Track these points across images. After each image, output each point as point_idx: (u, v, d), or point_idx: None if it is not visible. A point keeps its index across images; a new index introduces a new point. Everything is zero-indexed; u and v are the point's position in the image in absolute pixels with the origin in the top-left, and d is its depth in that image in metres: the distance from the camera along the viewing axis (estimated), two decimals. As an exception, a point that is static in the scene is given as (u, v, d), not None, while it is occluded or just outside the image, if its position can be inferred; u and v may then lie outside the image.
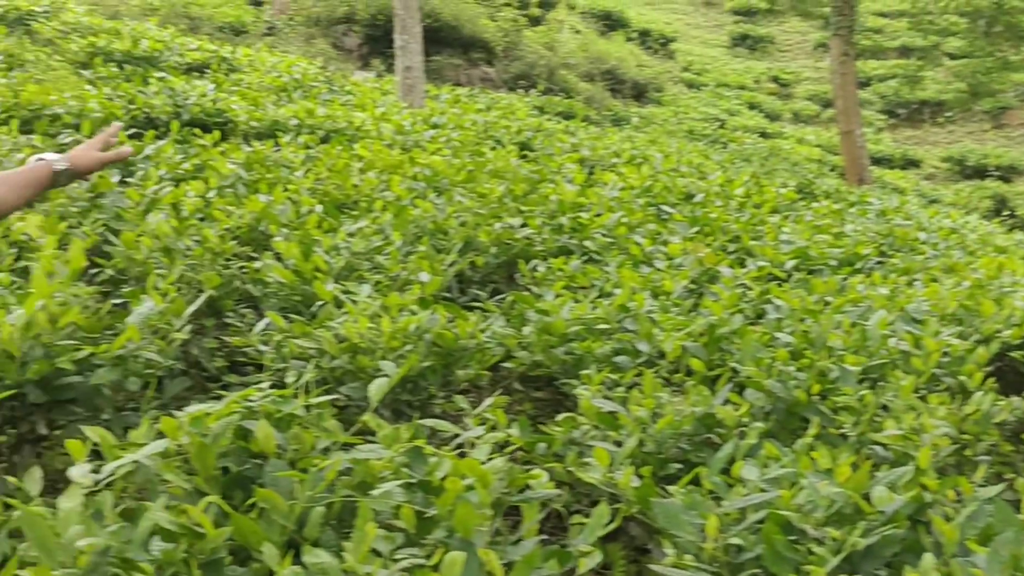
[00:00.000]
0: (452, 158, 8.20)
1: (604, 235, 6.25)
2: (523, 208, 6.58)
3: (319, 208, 5.77)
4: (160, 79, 10.39)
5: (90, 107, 7.99)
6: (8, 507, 2.19)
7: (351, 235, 5.25)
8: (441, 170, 7.29)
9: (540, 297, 4.82)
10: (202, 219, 5.34)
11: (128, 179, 6.08)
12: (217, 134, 7.91)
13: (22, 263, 4.16)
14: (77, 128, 7.30)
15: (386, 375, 2.65)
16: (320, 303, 4.10)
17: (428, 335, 3.76)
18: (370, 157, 7.48)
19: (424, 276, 4.42)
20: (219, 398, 4.12)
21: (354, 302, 3.99)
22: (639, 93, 27.67)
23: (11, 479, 2.47)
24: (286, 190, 6.12)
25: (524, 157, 9.87)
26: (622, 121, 22.53)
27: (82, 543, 1.83)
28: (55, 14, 15.06)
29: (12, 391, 2.95)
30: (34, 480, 2.13)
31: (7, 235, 4.28)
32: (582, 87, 24.80)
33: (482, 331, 4.00)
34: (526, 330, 4.22)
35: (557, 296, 4.61)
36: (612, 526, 2.53)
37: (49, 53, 12.60)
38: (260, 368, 4.14)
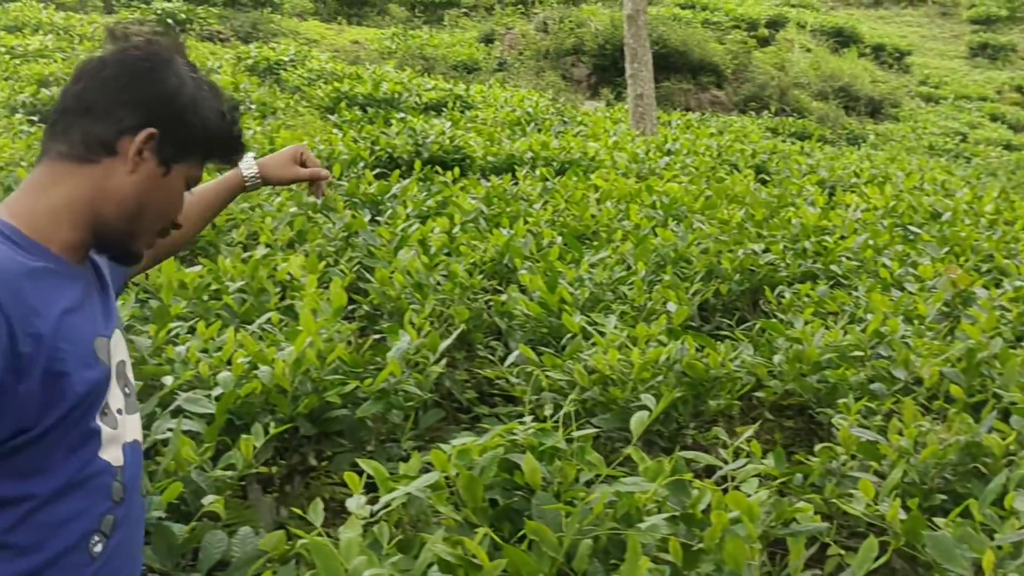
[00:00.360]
0: (689, 185, 8.16)
1: (850, 258, 6.05)
2: (764, 233, 6.46)
3: (559, 240, 5.83)
4: (400, 119, 10.77)
5: (338, 150, 8.37)
6: (291, 535, 2.30)
7: (593, 266, 5.28)
8: (679, 197, 7.25)
9: (789, 324, 4.71)
10: (448, 254, 5.50)
11: (378, 218, 6.34)
12: (456, 170, 8.14)
13: (287, 302, 4.38)
14: (328, 171, 7.65)
15: (645, 407, 2.64)
16: (568, 335, 4.14)
17: (678, 365, 3.73)
18: (607, 187, 7.53)
19: (671, 306, 4.40)
20: (471, 428, 4.24)
21: (602, 333, 4.01)
22: (874, 110, 26.75)
23: (294, 509, 2.59)
24: (526, 223, 6.23)
25: (761, 181, 9.72)
26: (858, 139, 21.82)
27: (367, 574, 1.90)
28: (301, 63, 15.89)
29: (286, 425, 3.10)
30: (317, 511, 2.23)
31: (272, 275, 4.52)
32: (815, 106, 24.20)
33: (731, 360, 3.94)
34: (776, 358, 4.13)
35: (806, 323, 4.48)
36: (881, 561, 2.44)
37: (297, 100, 13.30)
38: (509, 399, 4.22)
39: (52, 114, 1.68)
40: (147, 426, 2.84)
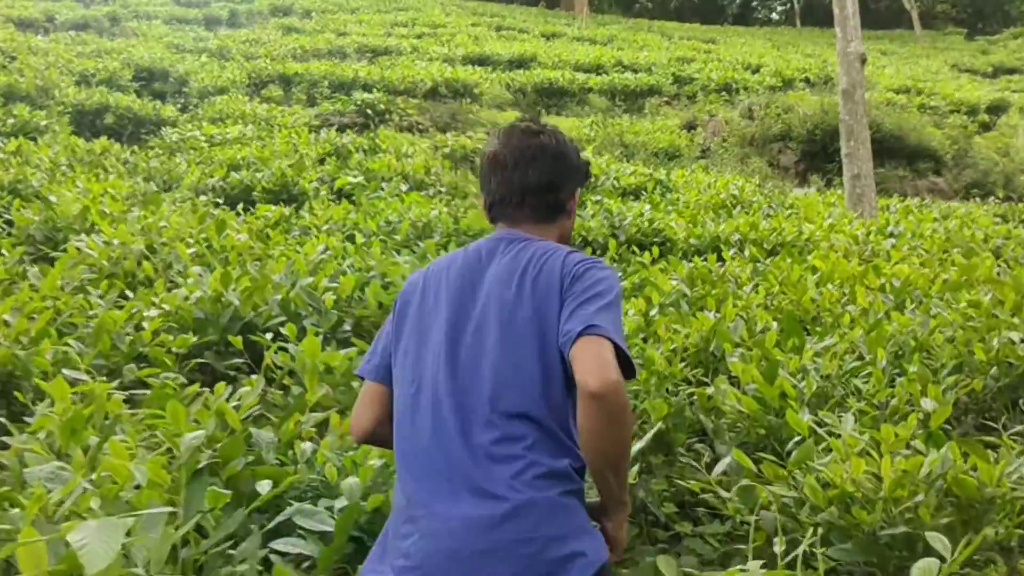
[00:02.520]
0: (921, 267, 7.18)
1: None
2: (1018, 321, 5.45)
3: (775, 325, 5.00)
4: (596, 202, 10.17)
5: (530, 229, 7.78)
6: None
7: (818, 355, 4.43)
8: (912, 279, 6.30)
9: (1070, 430, 3.74)
10: (644, 339, 4.77)
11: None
12: (655, 251, 7.43)
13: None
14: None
15: (937, 554, 1.81)
16: (793, 438, 3.31)
17: (941, 481, 2.86)
18: (826, 268, 6.64)
19: (927, 403, 3.50)
20: (669, 548, 3.45)
21: (836, 436, 3.16)
22: (1109, 198, 24.66)
23: None
24: (735, 306, 5.42)
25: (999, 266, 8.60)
26: (1097, 227, 19.98)
27: None
28: (499, 148, 15.54)
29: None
30: None
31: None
32: (1045, 193, 22.43)
33: (1010, 475, 3.03)
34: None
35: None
36: None
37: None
38: (717, 515, 3.42)
39: (506, 193, 2.42)
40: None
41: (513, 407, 2.12)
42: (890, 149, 20.79)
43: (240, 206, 9.13)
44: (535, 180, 2.41)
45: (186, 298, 4.75)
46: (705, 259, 7.37)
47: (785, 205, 12.35)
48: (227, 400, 3.24)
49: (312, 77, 19.99)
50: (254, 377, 3.85)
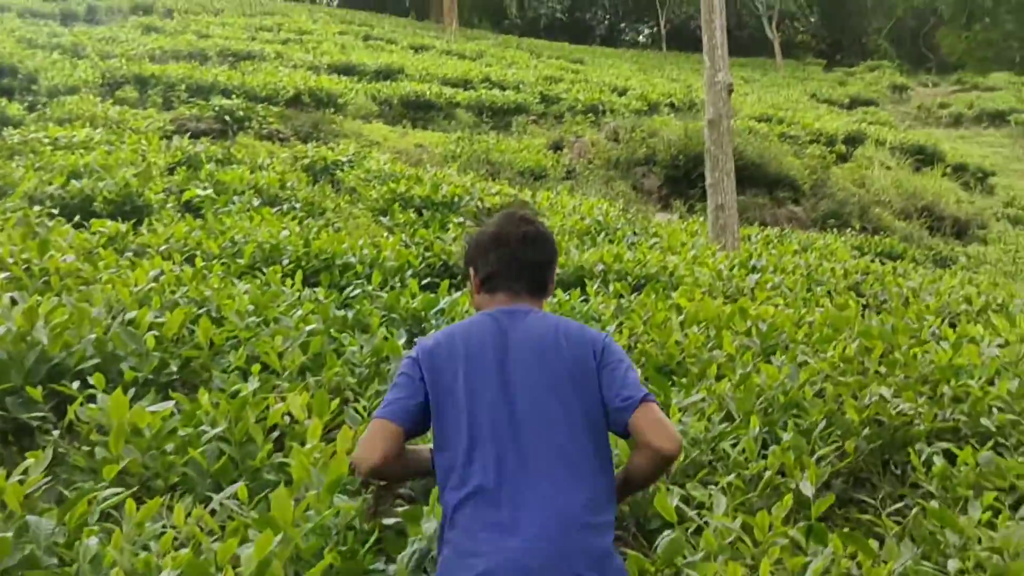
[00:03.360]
0: (785, 307, 7.01)
1: (1003, 409, 4.84)
2: (882, 371, 5.27)
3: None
4: (459, 224, 9.80)
5: (384, 255, 7.37)
6: None
7: (683, 411, 4.13)
8: (778, 323, 6.10)
9: (948, 504, 3.51)
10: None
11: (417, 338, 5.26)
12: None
13: (280, 457, 3.29)
14: (368, 279, 6.65)
15: None
16: (659, 524, 2.98)
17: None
18: (691, 308, 6.40)
19: (806, 487, 3.20)
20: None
21: (705, 522, 2.84)
22: (960, 231, 25.38)
23: None
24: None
25: (863, 306, 8.52)
26: (947, 261, 20.47)
27: None
28: (359, 163, 15.08)
29: None
30: None
31: (264, 416, 3.44)
32: (898, 225, 22.96)
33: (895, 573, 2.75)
34: (952, 566, 2.92)
35: (986, 508, 3.28)
36: None
37: (352, 201, 12.42)
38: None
39: (507, 268, 2.96)
40: None
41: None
42: (751, 177, 20.95)
43: (77, 219, 8.48)
44: (534, 259, 2.98)
45: (-17, 335, 4.18)
46: (568, 294, 7.07)
47: (649, 232, 12.17)
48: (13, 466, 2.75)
49: (170, 80, 19.14)
50: (56, 433, 3.36)
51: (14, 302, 4.89)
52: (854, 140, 28.66)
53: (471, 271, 3.05)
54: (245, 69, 22.20)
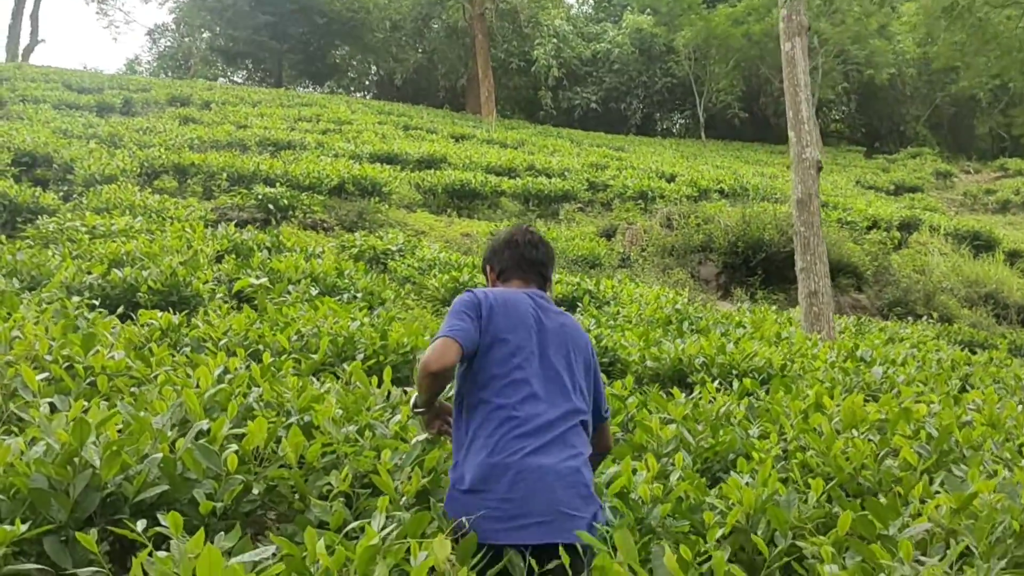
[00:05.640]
0: (933, 405, 6.05)
1: None
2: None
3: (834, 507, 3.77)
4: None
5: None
6: None
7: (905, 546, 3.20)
8: (948, 427, 5.15)
9: None
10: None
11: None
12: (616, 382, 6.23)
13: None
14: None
15: None
16: None
17: None
18: (834, 408, 5.46)
19: None
20: None
21: None
22: (1025, 320, 24.31)
23: None
24: (749, 462, 4.19)
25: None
26: (1022, 351, 19.41)
27: None
28: (410, 252, 14.35)
29: None
30: None
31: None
32: (964, 313, 21.93)
33: None
34: None
35: None
36: None
37: (408, 290, 11.63)
38: None
39: (518, 265, 3.78)
40: None
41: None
42: (813, 264, 20.07)
43: (120, 310, 7.68)
44: (538, 258, 3.82)
45: (21, 454, 3.32)
46: (667, 391, 6.18)
47: (735, 322, 11.24)
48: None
49: (210, 168, 18.54)
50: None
51: (54, 408, 4.03)
52: (908, 226, 27.77)
53: (487, 269, 3.92)
54: (286, 158, 21.60)
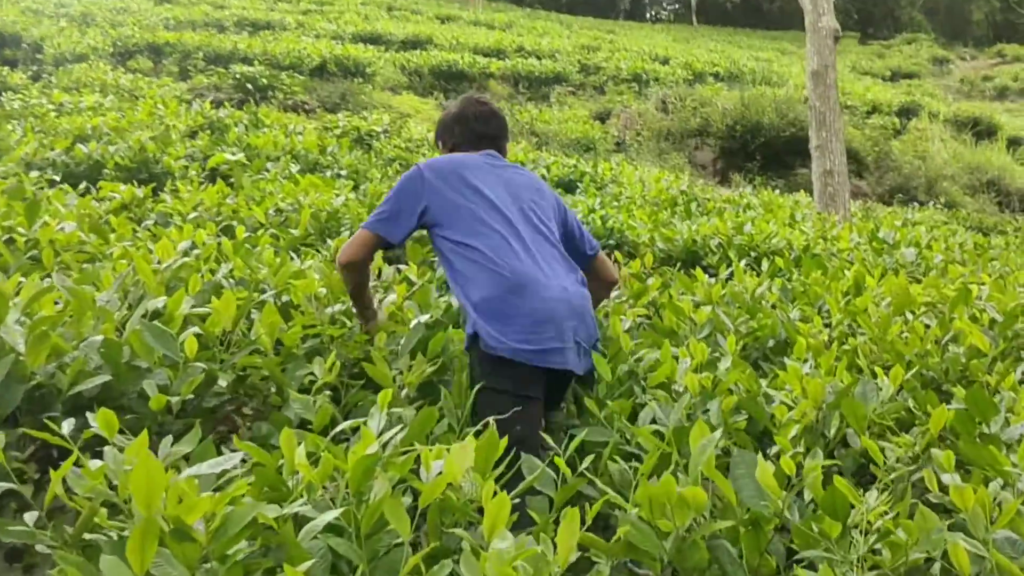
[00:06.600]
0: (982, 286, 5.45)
1: None
2: None
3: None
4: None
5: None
6: None
7: (1010, 447, 2.62)
8: (1012, 309, 4.56)
9: None
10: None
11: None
12: (618, 256, 5.66)
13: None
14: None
15: None
16: None
17: None
18: (885, 289, 4.86)
19: None
20: None
21: None
22: (1027, 206, 23.75)
23: None
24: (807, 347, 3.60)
25: None
26: None
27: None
28: (396, 134, 13.62)
29: None
30: None
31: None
32: (967, 200, 21.35)
33: None
34: None
35: None
36: None
37: (395, 170, 10.94)
38: None
39: (492, 133, 3.70)
40: None
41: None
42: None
43: (83, 186, 6.99)
44: (489, 133, 3.70)
45: (-64, 337, 2.63)
46: (686, 271, 5.59)
47: (743, 204, 10.59)
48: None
49: (186, 48, 17.65)
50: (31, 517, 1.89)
51: (-9, 286, 3.39)
52: (908, 112, 26.99)
53: (439, 144, 3.82)
54: (266, 38, 20.62)
